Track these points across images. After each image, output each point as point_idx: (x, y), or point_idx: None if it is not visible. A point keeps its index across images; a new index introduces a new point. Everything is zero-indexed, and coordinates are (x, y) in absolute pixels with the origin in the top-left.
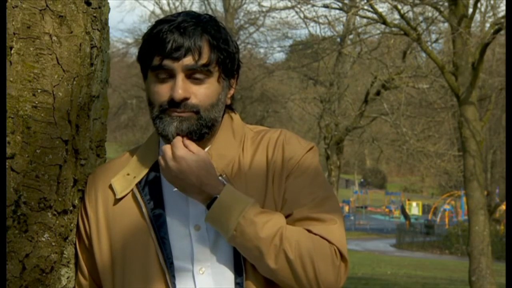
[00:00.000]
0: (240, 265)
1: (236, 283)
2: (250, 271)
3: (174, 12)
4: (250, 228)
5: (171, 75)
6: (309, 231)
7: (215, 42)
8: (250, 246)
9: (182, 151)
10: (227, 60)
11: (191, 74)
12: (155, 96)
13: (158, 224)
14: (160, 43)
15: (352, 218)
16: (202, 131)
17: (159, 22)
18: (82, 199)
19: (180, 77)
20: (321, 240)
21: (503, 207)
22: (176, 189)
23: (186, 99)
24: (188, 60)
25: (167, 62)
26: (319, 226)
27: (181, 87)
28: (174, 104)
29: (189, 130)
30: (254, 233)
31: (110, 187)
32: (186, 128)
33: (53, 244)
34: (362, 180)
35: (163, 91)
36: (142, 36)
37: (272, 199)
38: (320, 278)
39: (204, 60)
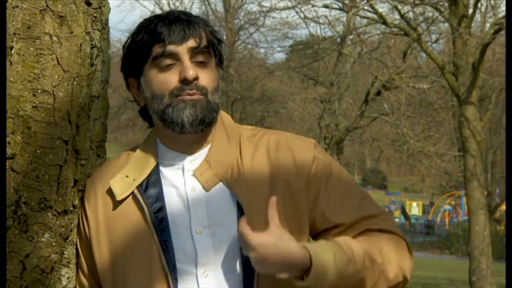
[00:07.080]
0: (246, 268)
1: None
2: (261, 275)
3: None
4: (345, 278)
5: (176, 60)
6: (370, 230)
7: (209, 29)
8: (352, 283)
9: (255, 239)
10: (220, 47)
11: (194, 56)
12: (164, 86)
13: (161, 228)
14: (160, 33)
15: None
16: (212, 115)
17: (148, 24)
18: (82, 201)
19: (187, 58)
20: (394, 236)
21: (503, 207)
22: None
23: (197, 79)
24: (191, 43)
25: (171, 47)
26: (380, 221)
27: (191, 67)
28: (187, 83)
29: (202, 115)
30: (353, 273)
31: (109, 189)
32: (199, 112)
33: (54, 244)
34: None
35: (170, 78)
36: (127, 45)
37: (281, 204)
38: (405, 269)
39: (205, 42)
